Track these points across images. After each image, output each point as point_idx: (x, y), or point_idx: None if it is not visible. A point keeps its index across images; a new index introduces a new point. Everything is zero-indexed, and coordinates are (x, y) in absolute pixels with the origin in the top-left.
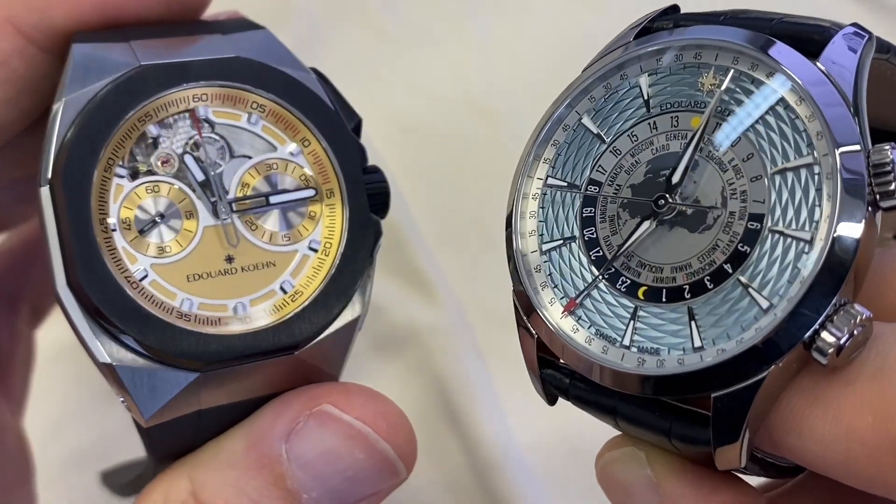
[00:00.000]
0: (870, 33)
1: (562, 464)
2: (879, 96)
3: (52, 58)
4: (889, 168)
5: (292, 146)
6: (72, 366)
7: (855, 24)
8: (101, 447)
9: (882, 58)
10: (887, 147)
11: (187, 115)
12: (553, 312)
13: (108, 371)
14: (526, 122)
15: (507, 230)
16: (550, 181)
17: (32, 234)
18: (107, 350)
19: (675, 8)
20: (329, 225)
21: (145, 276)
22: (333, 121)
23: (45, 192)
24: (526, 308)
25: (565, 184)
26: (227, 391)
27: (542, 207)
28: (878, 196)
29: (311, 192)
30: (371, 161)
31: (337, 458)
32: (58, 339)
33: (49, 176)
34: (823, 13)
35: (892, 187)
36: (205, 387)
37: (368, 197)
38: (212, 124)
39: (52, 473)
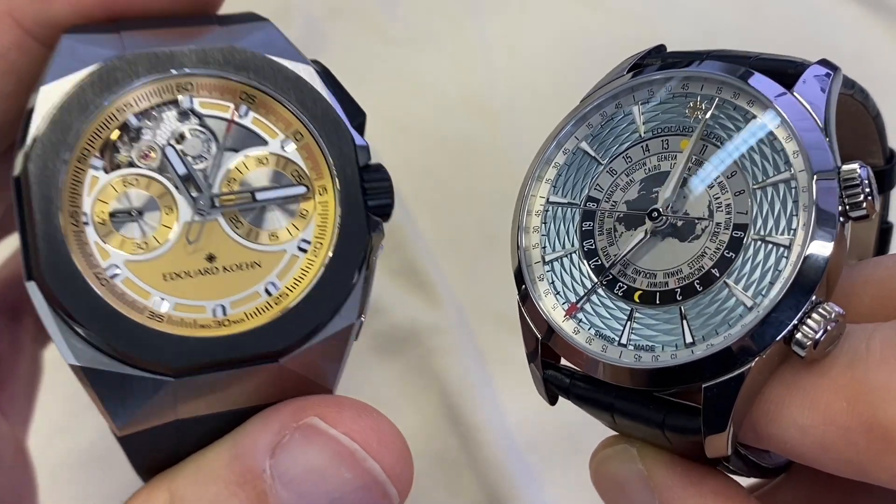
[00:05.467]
0: (837, 68)
1: (562, 463)
2: (842, 129)
3: (51, 52)
4: (857, 182)
5: (284, 140)
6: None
7: (822, 61)
8: (101, 447)
9: (847, 93)
10: (856, 164)
11: (173, 105)
12: (556, 316)
13: (78, 373)
14: (526, 122)
15: (512, 244)
16: (552, 199)
17: None
18: (76, 352)
19: (662, 47)
20: (321, 224)
21: (117, 274)
22: (329, 114)
23: (14, 183)
24: (530, 313)
25: (566, 201)
26: (205, 401)
27: (545, 223)
28: (847, 207)
29: (301, 189)
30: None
31: (323, 477)
32: None
33: (19, 167)
34: (824, 14)
35: (861, 199)
36: (181, 395)
37: (368, 197)
38: (198, 115)
39: (52, 474)
